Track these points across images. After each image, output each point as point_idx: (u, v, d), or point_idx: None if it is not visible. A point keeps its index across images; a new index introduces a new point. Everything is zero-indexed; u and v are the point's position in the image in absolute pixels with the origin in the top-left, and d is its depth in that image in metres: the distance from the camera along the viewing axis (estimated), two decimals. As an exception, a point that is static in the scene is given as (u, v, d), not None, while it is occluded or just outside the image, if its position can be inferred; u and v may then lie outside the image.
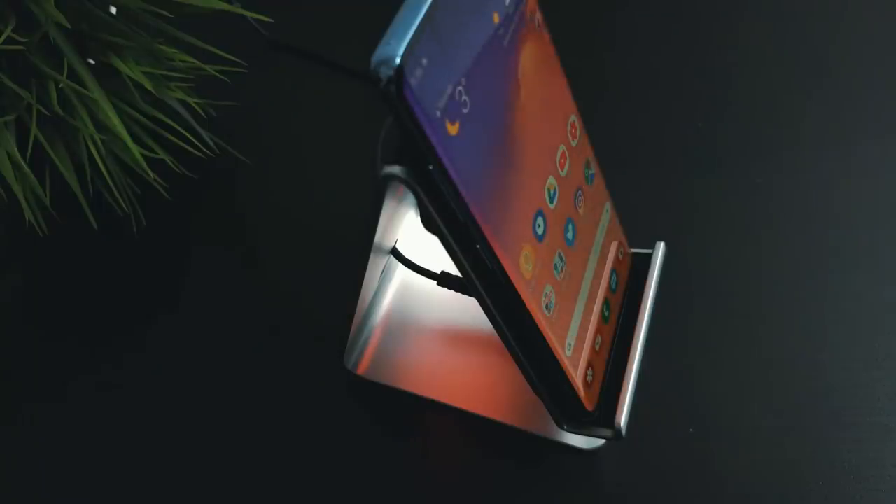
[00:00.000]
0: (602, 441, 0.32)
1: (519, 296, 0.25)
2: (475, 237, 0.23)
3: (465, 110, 0.22)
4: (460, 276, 0.28)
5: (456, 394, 0.34)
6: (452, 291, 0.34)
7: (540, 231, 0.26)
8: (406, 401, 0.34)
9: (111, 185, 0.37)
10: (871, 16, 0.48)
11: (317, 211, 0.41)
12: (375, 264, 0.32)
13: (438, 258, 0.34)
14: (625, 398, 0.30)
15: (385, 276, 0.37)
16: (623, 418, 0.29)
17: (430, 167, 0.22)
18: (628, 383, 0.30)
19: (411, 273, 0.35)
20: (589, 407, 0.30)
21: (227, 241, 0.41)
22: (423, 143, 0.21)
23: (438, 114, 0.21)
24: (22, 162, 0.35)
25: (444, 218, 0.23)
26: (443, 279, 0.34)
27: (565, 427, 0.30)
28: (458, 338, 0.36)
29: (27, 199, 0.37)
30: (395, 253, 0.35)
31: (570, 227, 0.28)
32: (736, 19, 0.49)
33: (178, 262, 0.40)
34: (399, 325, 0.36)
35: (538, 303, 0.26)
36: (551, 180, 0.27)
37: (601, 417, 0.30)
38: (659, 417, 0.33)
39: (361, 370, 0.35)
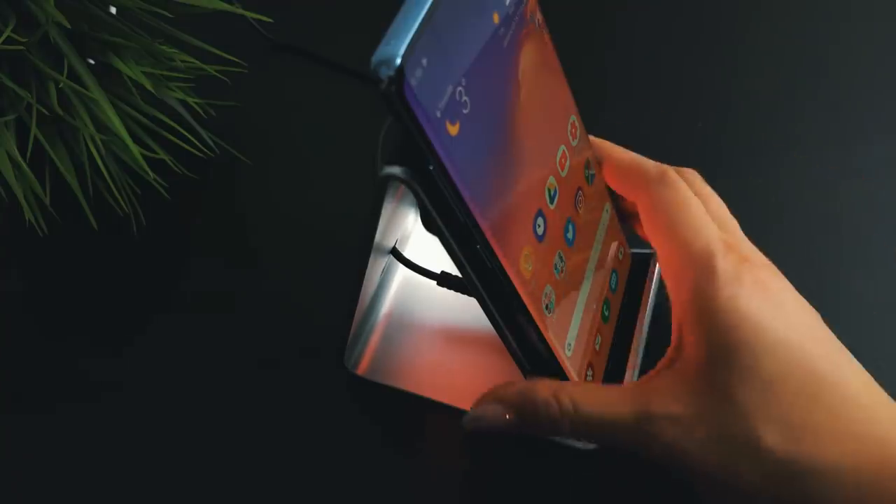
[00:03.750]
0: None
1: (519, 296, 0.25)
2: (475, 237, 0.23)
3: (465, 111, 0.22)
4: (460, 276, 0.28)
5: (456, 394, 0.34)
6: (452, 291, 0.34)
7: (540, 231, 0.26)
8: (406, 401, 0.34)
9: (111, 185, 0.37)
10: (871, 16, 0.48)
11: (317, 211, 0.41)
12: (375, 264, 0.32)
13: (438, 258, 0.34)
14: None
15: (385, 276, 0.37)
16: None
17: (430, 167, 0.22)
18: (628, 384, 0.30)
19: (411, 273, 0.35)
20: None
21: (227, 240, 0.41)
22: (423, 143, 0.21)
23: (438, 114, 0.21)
24: (22, 162, 0.35)
25: (444, 218, 0.23)
26: (443, 279, 0.34)
27: None
28: (458, 338, 0.36)
29: (27, 199, 0.37)
30: (395, 253, 0.35)
31: (570, 227, 0.28)
32: (736, 19, 0.49)
33: (177, 262, 0.40)
34: (399, 325, 0.36)
35: (538, 303, 0.26)
36: (551, 180, 0.27)
37: None
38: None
39: (361, 370, 0.35)
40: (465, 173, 0.22)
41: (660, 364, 0.27)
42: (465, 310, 0.35)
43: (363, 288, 0.30)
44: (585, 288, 0.30)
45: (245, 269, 0.40)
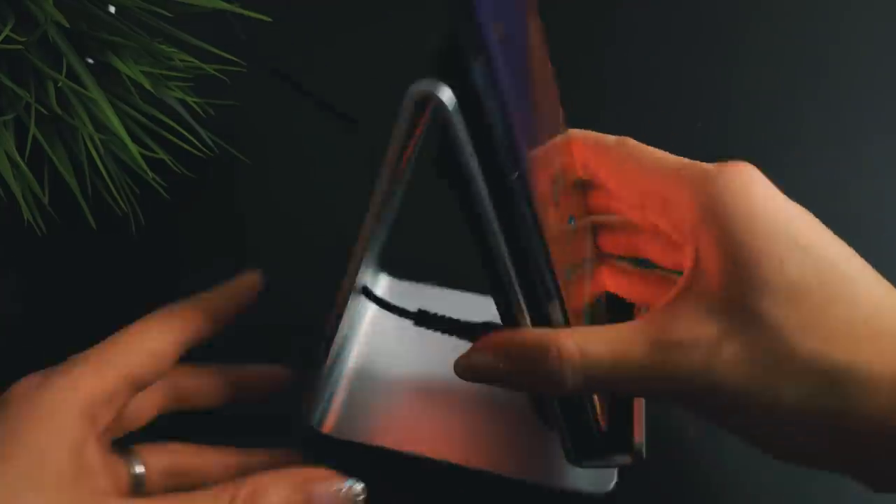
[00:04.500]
0: (613, 482, 0.30)
1: (545, 244, 0.23)
2: (515, 166, 0.21)
3: (504, 44, 0.20)
4: (438, 315, 0.26)
5: (439, 446, 0.30)
6: (429, 332, 0.30)
7: (556, 199, 0.24)
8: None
9: (110, 185, 0.37)
10: (871, 16, 0.48)
11: (316, 211, 0.41)
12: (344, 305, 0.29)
13: (410, 298, 0.31)
14: (640, 412, 0.27)
15: (352, 318, 0.33)
16: (641, 435, 0.27)
17: (476, 77, 0.20)
18: (641, 403, 0.28)
19: (381, 313, 0.31)
20: (603, 423, 0.27)
21: (226, 240, 0.41)
22: (479, 42, 0.19)
23: (492, 29, 0.19)
24: (20, 161, 0.35)
25: (477, 144, 0.21)
26: (420, 318, 0.30)
27: (577, 461, 0.28)
28: (437, 385, 0.32)
29: (26, 198, 0.37)
30: (366, 291, 0.31)
31: (571, 219, 0.27)
32: (736, 19, 0.49)
33: (177, 262, 0.40)
34: (370, 375, 0.33)
35: (562, 265, 0.24)
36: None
37: (613, 442, 0.27)
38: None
39: (328, 428, 0.31)
40: (507, 92, 0.20)
41: (672, 292, 0.24)
42: (445, 352, 0.28)
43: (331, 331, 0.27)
44: (585, 283, 0.29)
45: (245, 269, 0.40)
